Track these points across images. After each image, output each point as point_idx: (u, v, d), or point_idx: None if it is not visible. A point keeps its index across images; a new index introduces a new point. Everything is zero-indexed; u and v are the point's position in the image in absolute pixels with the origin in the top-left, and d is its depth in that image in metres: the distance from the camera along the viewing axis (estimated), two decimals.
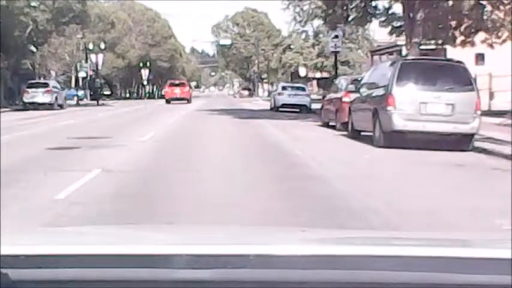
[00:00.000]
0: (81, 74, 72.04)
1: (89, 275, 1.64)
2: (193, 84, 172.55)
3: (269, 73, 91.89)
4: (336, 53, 36.33)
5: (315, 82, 64.53)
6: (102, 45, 63.41)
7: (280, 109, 38.02)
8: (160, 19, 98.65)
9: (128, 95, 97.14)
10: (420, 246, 1.96)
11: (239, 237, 2.29)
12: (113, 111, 40.71)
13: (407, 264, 1.64)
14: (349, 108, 19.05)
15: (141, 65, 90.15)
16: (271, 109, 40.46)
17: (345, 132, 19.55)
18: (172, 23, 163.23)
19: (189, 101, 56.12)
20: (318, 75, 66.85)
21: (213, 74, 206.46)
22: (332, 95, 23.73)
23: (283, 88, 40.42)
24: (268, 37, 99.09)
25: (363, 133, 17.87)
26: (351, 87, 19.62)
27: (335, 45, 35.33)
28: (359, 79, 22.13)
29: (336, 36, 35.40)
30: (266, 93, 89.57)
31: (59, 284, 1.63)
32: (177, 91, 56.84)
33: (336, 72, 36.51)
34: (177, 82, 60.70)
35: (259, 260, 1.66)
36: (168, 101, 55.71)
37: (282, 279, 1.63)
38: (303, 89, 40.80)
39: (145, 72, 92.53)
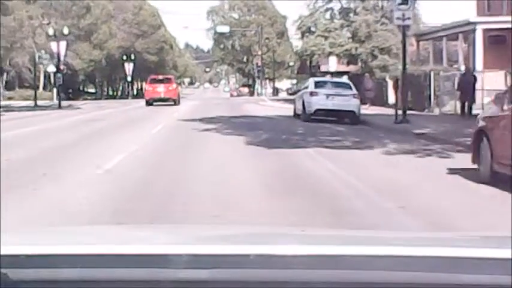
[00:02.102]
0: (50, 69, 56.86)
1: (89, 275, 1.68)
2: (187, 80, 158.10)
3: (274, 67, 76.38)
4: (405, 28, 21.32)
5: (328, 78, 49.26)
6: (66, 31, 48.04)
7: (313, 117, 22.91)
8: (149, 6, 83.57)
9: (113, 94, 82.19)
10: (420, 246, 1.98)
11: (239, 237, 2.31)
12: (48, 122, 25.47)
13: (407, 264, 1.68)
14: None
15: (124, 58, 74.88)
16: (296, 116, 25.51)
17: None
18: (162, 14, 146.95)
19: (176, 102, 41.24)
20: (332, 68, 51.38)
21: (207, 70, 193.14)
22: None
23: (318, 85, 25.45)
24: (272, 24, 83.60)
25: None
26: None
27: (403, 15, 20.54)
28: None
29: (405, 2, 20.45)
30: (270, 91, 74.32)
31: (59, 284, 1.66)
32: (161, 89, 42.57)
33: (404, 60, 21.58)
34: (160, 77, 46.09)
35: (259, 260, 1.69)
36: (149, 103, 40.66)
37: (282, 279, 1.66)
38: (348, 87, 26.14)
39: (129, 67, 78.61)
